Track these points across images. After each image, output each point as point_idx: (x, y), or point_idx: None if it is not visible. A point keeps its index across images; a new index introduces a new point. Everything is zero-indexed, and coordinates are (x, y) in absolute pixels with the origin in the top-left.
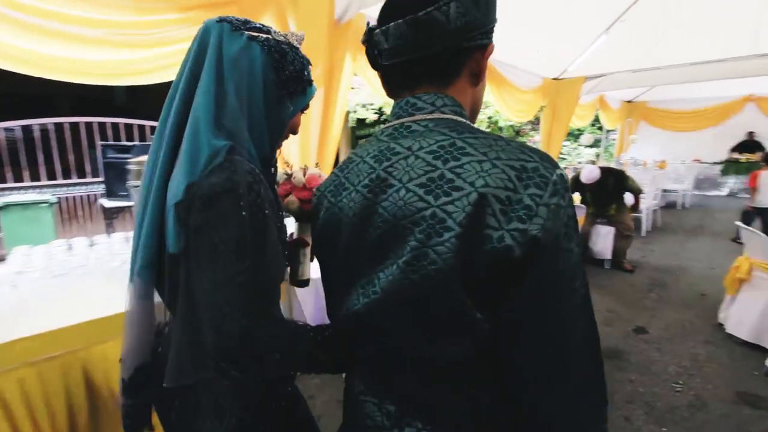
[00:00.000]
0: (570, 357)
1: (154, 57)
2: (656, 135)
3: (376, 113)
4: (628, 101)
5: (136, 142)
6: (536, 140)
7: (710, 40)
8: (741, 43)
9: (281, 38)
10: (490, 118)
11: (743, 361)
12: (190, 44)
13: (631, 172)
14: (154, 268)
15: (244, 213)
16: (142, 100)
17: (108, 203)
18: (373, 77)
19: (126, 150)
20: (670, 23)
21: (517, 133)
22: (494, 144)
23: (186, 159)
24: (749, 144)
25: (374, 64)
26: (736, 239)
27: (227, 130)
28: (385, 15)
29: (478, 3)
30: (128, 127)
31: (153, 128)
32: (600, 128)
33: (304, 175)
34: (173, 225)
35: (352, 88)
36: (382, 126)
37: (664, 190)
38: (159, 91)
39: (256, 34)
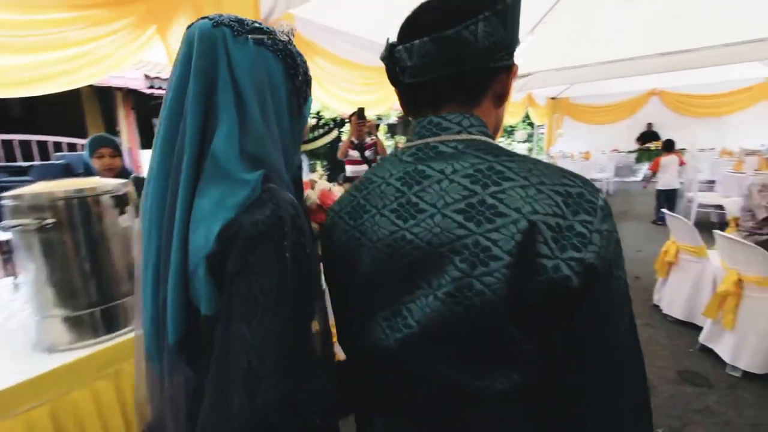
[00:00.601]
0: (622, 383)
1: (50, 62)
2: (579, 128)
3: (314, 117)
4: (553, 98)
5: (35, 162)
6: None
7: (620, 41)
8: (645, 44)
9: (285, 38)
10: None
11: (679, 339)
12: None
13: (563, 164)
14: (189, 337)
15: (287, 255)
16: (42, 111)
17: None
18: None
19: (22, 172)
20: (586, 25)
21: None
22: (534, 168)
23: (213, 201)
24: (649, 134)
25: (394, 80)
26: (656, 221)
27: (254, 157)
28: (408, 32)
29: (505, 23)
30: (25, 144)
31: (57, 144)
32: (530, 124)
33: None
34: (205, 281)
35: None
36: (399, 144)
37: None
38: (63, 101)
39: (260, 36)
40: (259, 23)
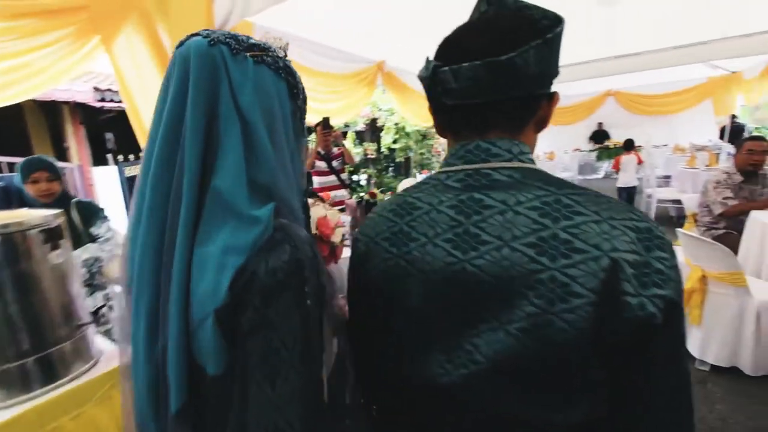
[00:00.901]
0: (688, 412)
1: None
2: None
3: None
4: None
5: None
6: (442, 142)
7: (576, 44)
8: (601, 47)
9: (282, 54)
10: (396, 124)
11: None
12: (162, 80)
13: None
14: (193, 401)
15: (309, 302)
16: None
17: None
18: None
19: None
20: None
21: (424, 136)
22: (599, 201)
23: (220, 245)
24: (600, 133)
25: (435, 101)
26: None
27: (264, 188)
28: (454, 53)
29: (552, 50)
30: None
31: None
32: None
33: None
34: (213, 338)
35: None
36: (368, 151)
37: None
38: (2, 116)
39: (259, 53)
40: (254, 39)
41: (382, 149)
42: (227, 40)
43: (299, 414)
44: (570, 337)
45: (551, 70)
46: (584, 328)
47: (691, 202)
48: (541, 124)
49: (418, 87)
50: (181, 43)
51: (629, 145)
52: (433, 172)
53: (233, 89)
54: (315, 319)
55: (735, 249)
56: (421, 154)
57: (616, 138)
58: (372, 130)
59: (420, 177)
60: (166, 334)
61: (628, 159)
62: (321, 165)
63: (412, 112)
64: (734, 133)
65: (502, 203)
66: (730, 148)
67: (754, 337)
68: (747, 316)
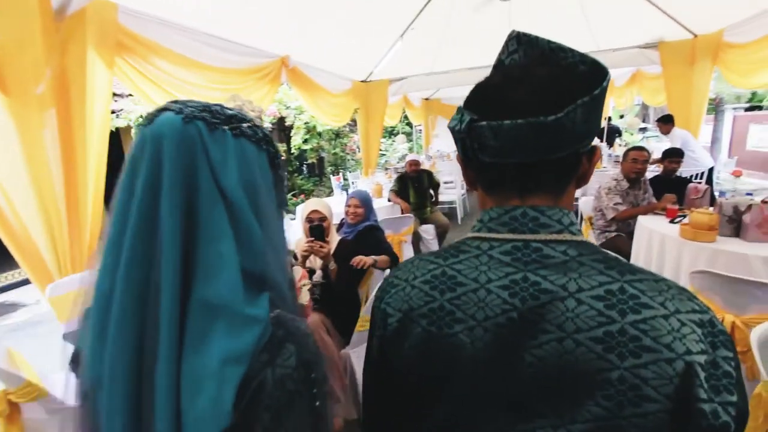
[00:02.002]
0: None
1: None
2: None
3: None
4: (426, 99)
5: None
6: (356, 140)
7: (481, 48)
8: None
9: (258, 120)
10: (307, 123)
11: None
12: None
13: (439, 164)
14: None
15: (318, 403)
16: None
17: None
18: (142, 80)
19: None
20: (449, 33)
21: (337, 135)
22: (662, 289)
23: (217, 355)
24: None
25: (469, 156)
26: None
27: (255, 276)
28: (493, 107)
29: (597, 108)
30: None
31: None
32: (409, 124)
33: None
34: None
35: (119, 97)
36: (485, 236)
37: None
38: None
39: (237, 125)
40: (228, 108)
41: (292, 150)
42: (202, 114)
43: None
44: None
45: (595, 125)
46: None
47: (586, 206)
48: (582, 180)
49: (328, 84)
50: (149, 120)
51: None
52: (470, 235)
53: (213, 168)
54: (325, 418)
55: (626, 251)
56: (335, 154)
57: None
58: (280, 130)
59: (335, 182)
60: None
61: None
62: None
63: (322, 111)
64: (610, 133)
65: (562, 288)
66: (609, 150)
67: None
68: None
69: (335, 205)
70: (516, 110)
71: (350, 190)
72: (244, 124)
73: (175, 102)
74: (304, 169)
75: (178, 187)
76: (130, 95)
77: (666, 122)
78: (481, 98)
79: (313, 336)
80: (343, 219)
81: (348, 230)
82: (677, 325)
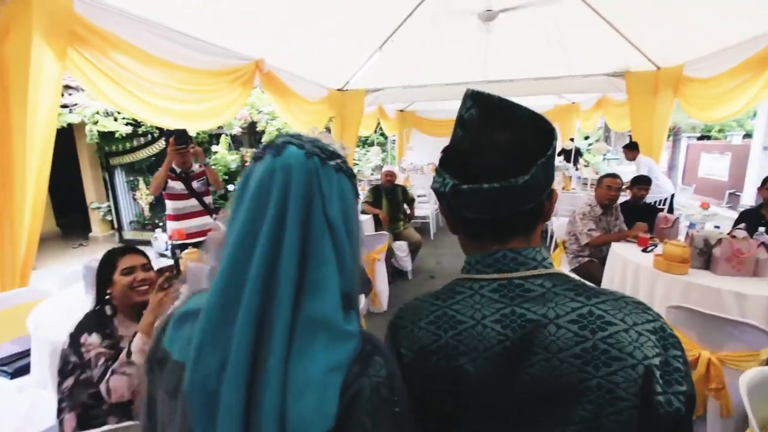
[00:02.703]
0: None
1: None
2: (426, 141)
3: (129, 124)
4: (401, 110)
5: None
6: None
7: (454, 66)
8: (476, 72)
9: (344, 153)
10: (279, 129)
11: None
12: (255, 189)
13: (413, 178)
14: None
15: (397, 410)
16: None
17: None
18: (97, 75)
19: None
20: (428, 48)
21: None
22: (620, 306)
23: (321, 365)
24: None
25: (455, 213)
26: None
27: (347, 296)
28: (469, 172)
29: (552, 163)
30: None
31: None
32: (383, 135)
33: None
34: None
35: (74, 90)
36: (474, 278)
37: None
38: None
39: (338, 162)
40: (326, 143)
41: None
42: (315, 149)
43: None
44: None
45: (552, 175)
46: (630, 428)
47: (558, 228)
48: (546, 219)
49: (303, 91)
50: (277, 152)
51: None
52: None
53: (323, 199)
54: (404, 423)
55: (598, 276)
56: None
57: None
58: (251, 135)
59: None
60: None
61: None
62: (176, 186)
63: (295, 118)
64: (576, 155)
65: (543, 317)
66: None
67: None
68: None
69: None
70: (489, 175)
71: None
72: (340, 160)
73: (291, 136)
74: None
75: (299, 214)
76: (69, 89)
77: (631, 149)
78: (456, 162)
79: (389, 351)
80: None
81: None
82: (635, 336)
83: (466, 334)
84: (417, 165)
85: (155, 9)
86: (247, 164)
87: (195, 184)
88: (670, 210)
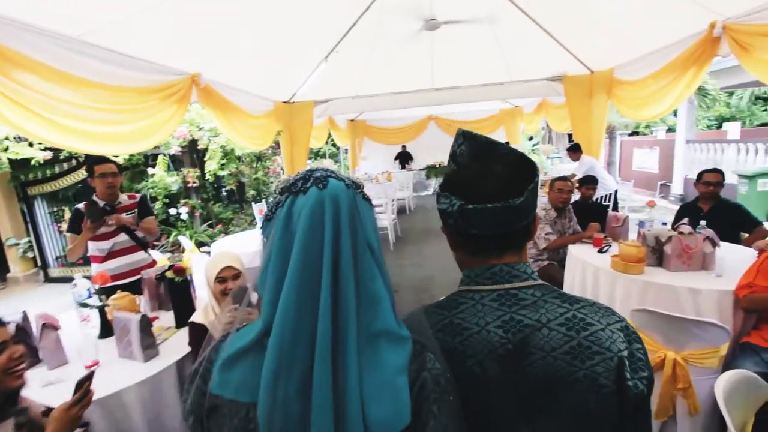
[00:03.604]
0: None
1: None
2: (379, 149)
3: (48, 149)
4: (352, 120)
5: None
6: (280, 162)
7: (402, 75)
8: (423, 80)
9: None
10: (223, 147)
11: None
12: (306, 218)
13: (368, 188)
14: None
15: (451, 398)
16: None
17: None
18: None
19: None
20: (375, 58)
21: (259, 159)
22: (596, 311)
23: (390, 369)
24: (404, 154)
25: (460, 230)
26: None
27: (393, 306)
28: (477, 196)
29: (536, 187)
30: None
31: None
32: (335, 145)
33: None
34: None
35: None
36: (474, 289)
37: (396, 199)
38: None
39: (361, 191)
40: (333, 171)
41: (207, 176)
42: (349, 182)
43: None
44: (601, 417)
45: (536, 200)
46: (609, 409)
47: None
48: (530, 237)
49: (246, 105)
50: (323, 185)
51: None
52: (463, 288)
53: (362, 222)
54: (457, 407)
55: (558, 278)
56: (256, 179)
57: (438, 158)
58: (192, 154)
59: (257, 214)
60: None
61: None
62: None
63: (240, 134)
64: None
65: (537, 321)
66: None
67: None
68: None
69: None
70: (490, 197)
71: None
72: (363, 189)
73: (323, 170)
74: (224, 193)
75: (349, 236)
76: None
77: (575, 151)
78: (458, 187)
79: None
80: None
81: None
82: (610, 334)
83: (472, 340)
84: (372, 174)
85: (69, 22)
86: (190, 185)
87: (123, 217)
88: (615, 205)
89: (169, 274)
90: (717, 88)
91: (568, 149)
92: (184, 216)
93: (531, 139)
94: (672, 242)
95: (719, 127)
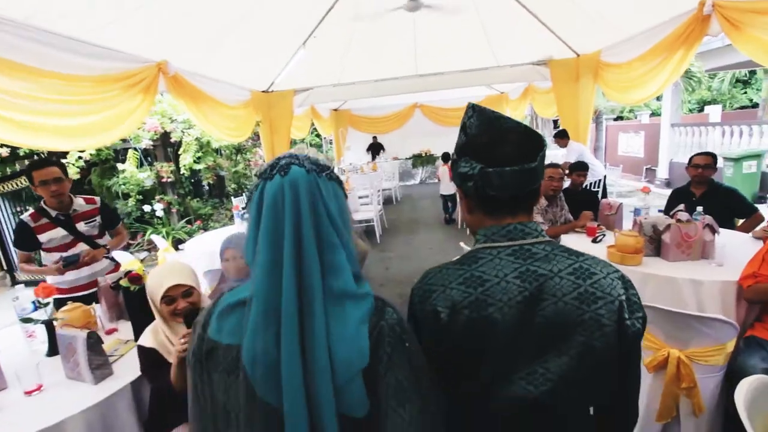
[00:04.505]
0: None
1: None
2: (364, 139)
3: (4, 146)
4: (335, 109)
5: None
6: (261, 154)
7: (385, 62)
8: (407, 66)
9: (330, 164)
10: (198, 139)
11: None
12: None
13: (353, 179)
14: None
15: (407, 344)
16: None
17: None
18: None
19: None
20: (355, 43)
21: (239, 150)
22: (598, 262)
23: (353, 321)
24: (375, 145)
25: (478, 191)
26: (447, 221)
27: (356, 274)
28: (497, 159)
29: (545, 152)
30: None
31: None
32: (318, 135)
33: None
34: (360, 390)
35: None
36: (492, 245)
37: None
38: None
39: (329, 172)
40: (318, 159)
41: (182, 171)
42: (312, 166)
43: (426, 425)
44: (605, 351)
45: (544, 166)
46: (611, 345)
47: None
48: (538, 200)
49: (221, 95)
50: (284, 171)
51: (446, 157)
52: (474, 247)
53: (324, 203)
54: (414, 353)
55: None
56: (236, 172)
57: (425, 146)
58: (165, 147)
59: (235, 211)
60: (319, 398)
61: (444, 170)
62: (55, 236)
63: (215, 125)
64: None
65: (549, 272)
66: None
67: None
68: None
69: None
70: (507, 160)
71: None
72: (329, 170)
73: (291, 156)
74: (206, 188)
75: (310, 216)
76: None
77: (562, 137)
78: (477, 153)
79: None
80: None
81: (234, 285)
82: (610, 281)
83: (492, 290)
84: (357, 165)
85: (13, 3)
86: (164, 180)
87: (82, 227)
88: (604, 191)
89: (124, 282)
90: (702, 71)
91: (555, 135)
92: (159, 213)
93: None
94: (671, 231)
95: (701, 110)
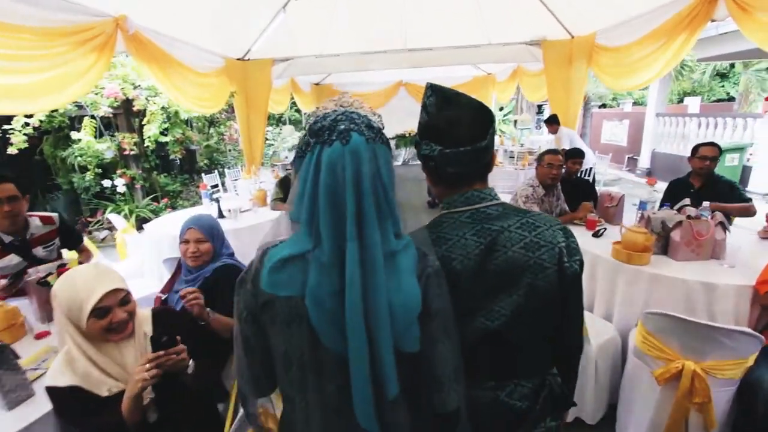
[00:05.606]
0: (582, 317)
1: None
2: None
3: None
4: (317, 84)
5: None
6: (236, 128)
7: (372, 34)
8: (395, 40)
9: (382, 125)
10: (164, 109)
11: None
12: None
13: None
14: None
15: (444, 286)
16: None
17: None
18: None
19: None
20: (339, 10)
21: (212, 123)
22: (542, 218)
23: (404, 274)
24: None
25: (439, 170)
26: (431, 205)
27: (398, 234)
28: (452, 141)
29: (494, 130)
30: None
31: None
32: (298, 111)
33: None
34: (417, 332)
35: None
36: (453, 211)
37: None
38: None
39: (380, 136)
40: (368, 119)
41: (146, 143)
42: (369, 133)
43: (454, 369)
44: (548, 290)
45: (494, 141)
46: (553, 284)
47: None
48: (490, 169)
49: (191, 60)
50: (344, 139)
51: None
52: (444, 213)
53: (379, 168)
54: (449, 298)
55: None
56: (207, 146)
57: (408, 126)
58: (127, 116)
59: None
60: (379, 348)
61: None
62: (8, 264)
63: (184, 94)
64: None
65: (500, 227)
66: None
67: (593, 385)
68: (588, 365)
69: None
70: (462, 141)
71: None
72: (382, 134)
73: (349, 120)
74: (177, 162)
75: (371, 188)
76: None
77: (552, 123)
78: (435, 136)
79: None
80: (180, 260)
81: (189, 277)
82: (552, 232)
83: (453, 246)
84: None
85: None
86: (126, 152)
87: (40, 252)
88: (593, 180)
89: (52, 279)
90: (694, 59)
91: (546, 121)
92: (121, 188)
93: (502, 109)
94: (681, 228)
95: (680, 101)
